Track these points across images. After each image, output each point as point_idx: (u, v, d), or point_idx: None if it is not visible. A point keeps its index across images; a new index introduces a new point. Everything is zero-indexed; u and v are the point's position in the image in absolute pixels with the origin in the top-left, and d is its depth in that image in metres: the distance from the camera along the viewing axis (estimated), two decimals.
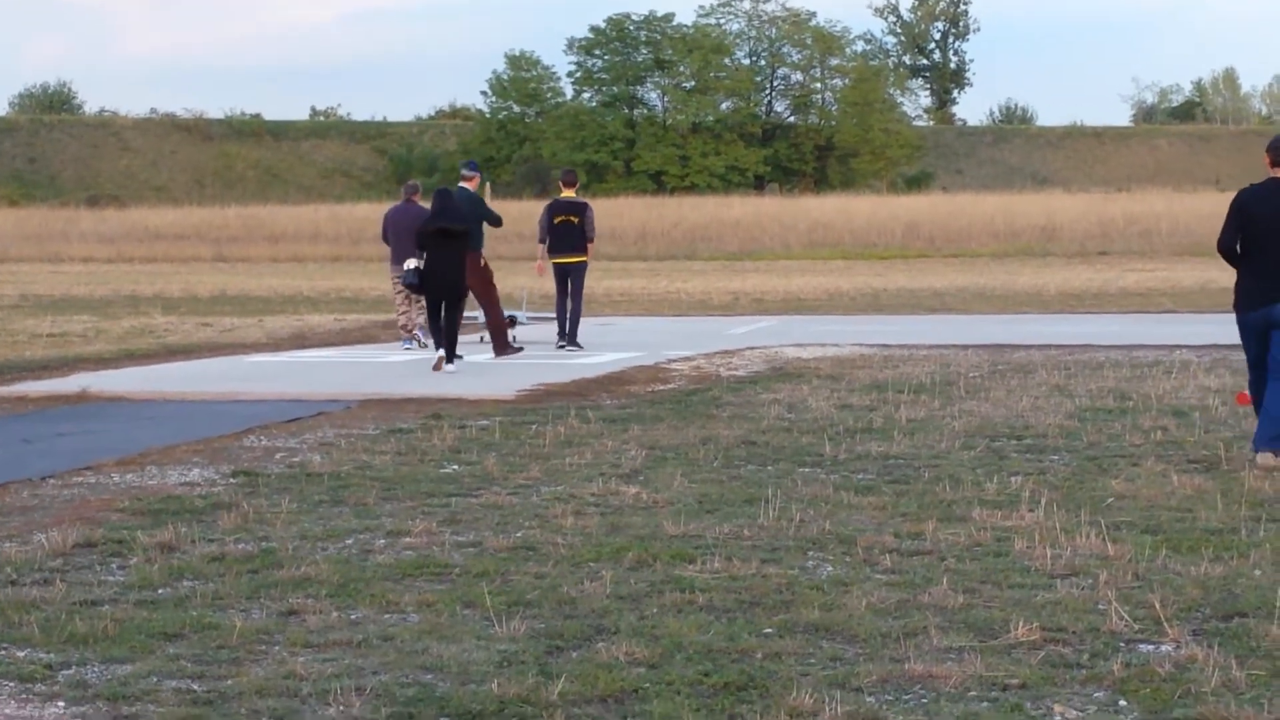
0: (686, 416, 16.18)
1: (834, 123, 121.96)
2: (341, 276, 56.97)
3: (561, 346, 25.07)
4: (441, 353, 21.89)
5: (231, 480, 12.48)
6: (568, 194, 25.55)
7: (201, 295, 45.44)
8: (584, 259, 25.18)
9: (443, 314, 21.91)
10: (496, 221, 24.02)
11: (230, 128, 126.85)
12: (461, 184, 24.11)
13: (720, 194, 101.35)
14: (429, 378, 20.68)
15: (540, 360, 23.46)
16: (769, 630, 7.71)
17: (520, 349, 24.40)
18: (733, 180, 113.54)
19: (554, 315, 30.34)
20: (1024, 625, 7.60)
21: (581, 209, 25.05)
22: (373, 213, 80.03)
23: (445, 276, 21.82)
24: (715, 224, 76.99)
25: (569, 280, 25.14)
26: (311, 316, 34.78)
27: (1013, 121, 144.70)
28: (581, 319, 25.72)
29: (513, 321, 27.10)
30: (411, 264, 22.25)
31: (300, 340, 28.32)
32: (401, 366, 22.65)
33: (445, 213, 21.97)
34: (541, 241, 25.22)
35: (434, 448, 14.08)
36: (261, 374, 21.58)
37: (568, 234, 24.96)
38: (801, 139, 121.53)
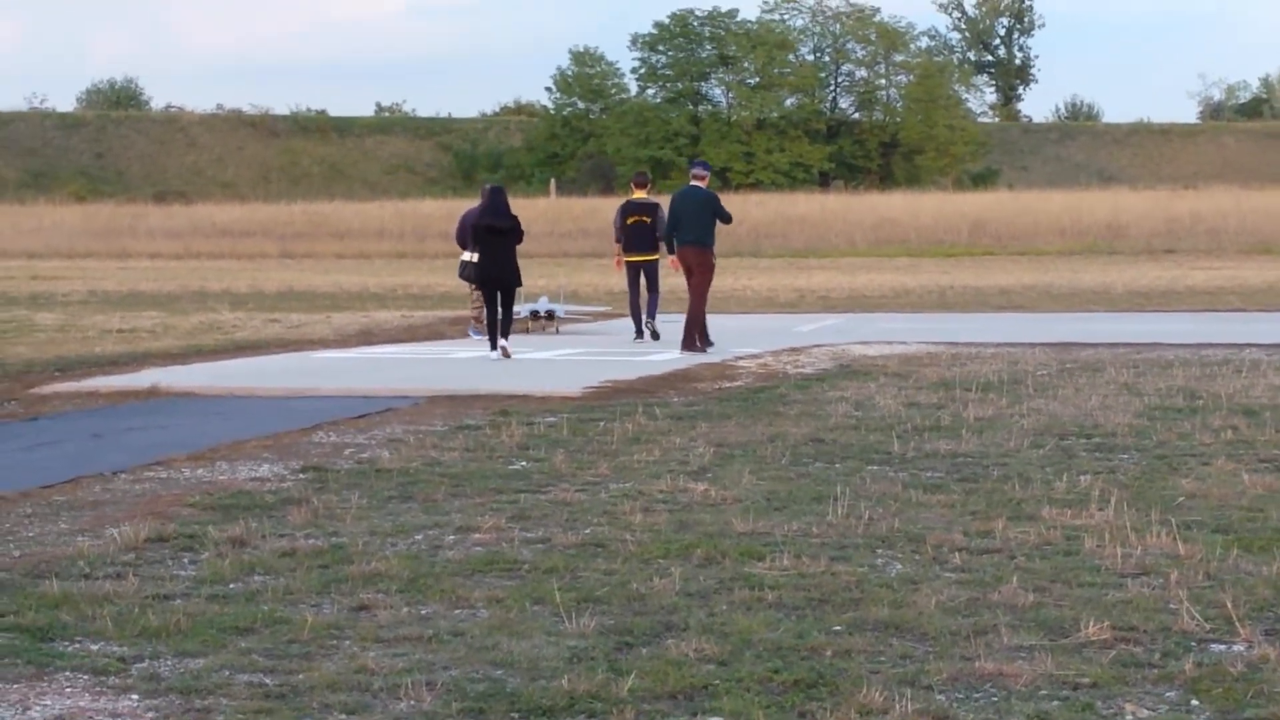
0: (754, 414, 16.17)
1: (899, 119, 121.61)
2: (407, 273, 57.12)
3: (639, 340, 26.25)
4: (505, 343, 23.09)
5: (301, 476, 12.54)
6: (639, 195, 26.58)
7: (268, 291, 45.63)
8: (657, 256, 26.28)
9: (499, 304, 23.12)
10: (727, 218, 24.27)
11: (296, 124, 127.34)
12: (693, 182, 24.36)
13: (785, 190, 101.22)
14: (496, 374, 20.73)
15: (607, 357, 23.48)
16: (838, 628, 7.71)
17: (705, 348, 24.10)
18: (797, 177, 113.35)
19: (588, 312, 30.90)
20: (1094, 624, 7.58)
21: (653, 209, 26.19)
22: (437, 209, 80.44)
23: (498, 270, 22.92)
24: (780, 221, 76.87)
25: (644, 275, 26.32)
26: (378, 313, 34.89)
27: (1078, 118, 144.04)
28: (648, 315, 26.62)
29: (551, 315, 28.20)
30: (466, 257, 24.02)
31: (367, 336, 28.41)
32: (469, 363, 22.70)
33: (494, 210, 23.07)
34: (618, 241, 26.43)
35: (502, 444, 14.11)
36: (329, 370, 21.66)
37: (641, 233, 26.10)
38: (866, 135, 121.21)
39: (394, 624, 7.85)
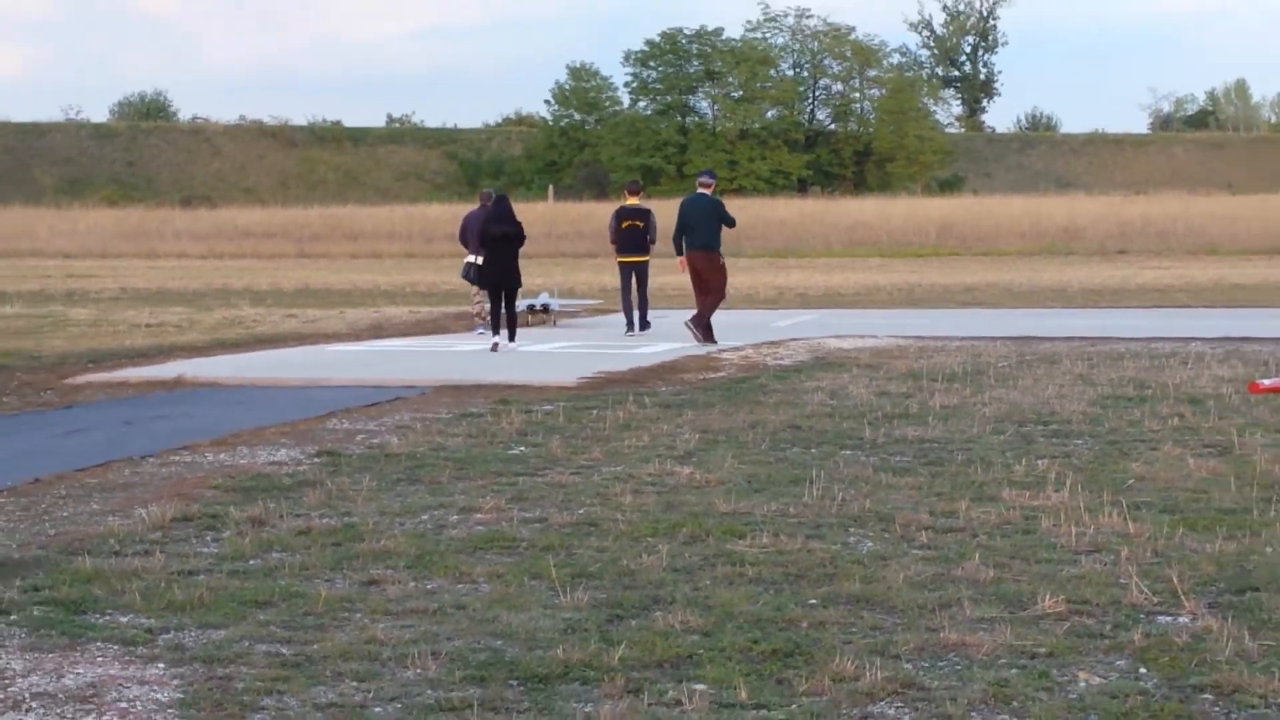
0: (736, 402, 16.17)
1: (872, 130, 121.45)
2: (415, 272, 57.08)
3: (630, 333, 26.38)
4: (498, 337, 23.44)
5: (316, 460, 12.53)
6: (632, 201, 27.06)
7: (286, 289, 45.61)
8: (647, 258, 26.78)
9: (503, 303, 23.56)
10: (732, 223, 24.52)
11: (313, 134, 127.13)
12: (700, 190, 24.63)
13: (766, 196, 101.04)
14: (497, 365, 20.73)
15: (600, 350, 23.48)
16: (813, 601, 7.71)
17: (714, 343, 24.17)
18: (778, 183, 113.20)
19: (581, 307, 31.23)
20: (1050, 598, 7.58)
21: (645, 214, 26.81)
22: (444, 213, 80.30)
23: (501, 271, 23.37)
24: (761, 224, 76.84)
25: (635, 276, 26.72)
26: (388, 309, 34.87)
27: (1038, 129, 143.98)
28: (639, 311, 26.85)
29: (546, 309, 28.55)
30: (470, 259, 24.47)
31: (378, 330, 28.41)
32: (472, 355, 22.70)
33: (499, 217, 23.50)
34: (613, 243, 27.01)
35: (502, 430, 14.11)
36: (342, 362, 21.66)
37: (633, 237, 26.64)
38: (841, 145, 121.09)
39: (401, 598, 7.85)
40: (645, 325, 26.70)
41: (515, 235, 23.35)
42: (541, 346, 24.28)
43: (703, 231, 24.01)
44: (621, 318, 27.53)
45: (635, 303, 26.75)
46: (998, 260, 63.65)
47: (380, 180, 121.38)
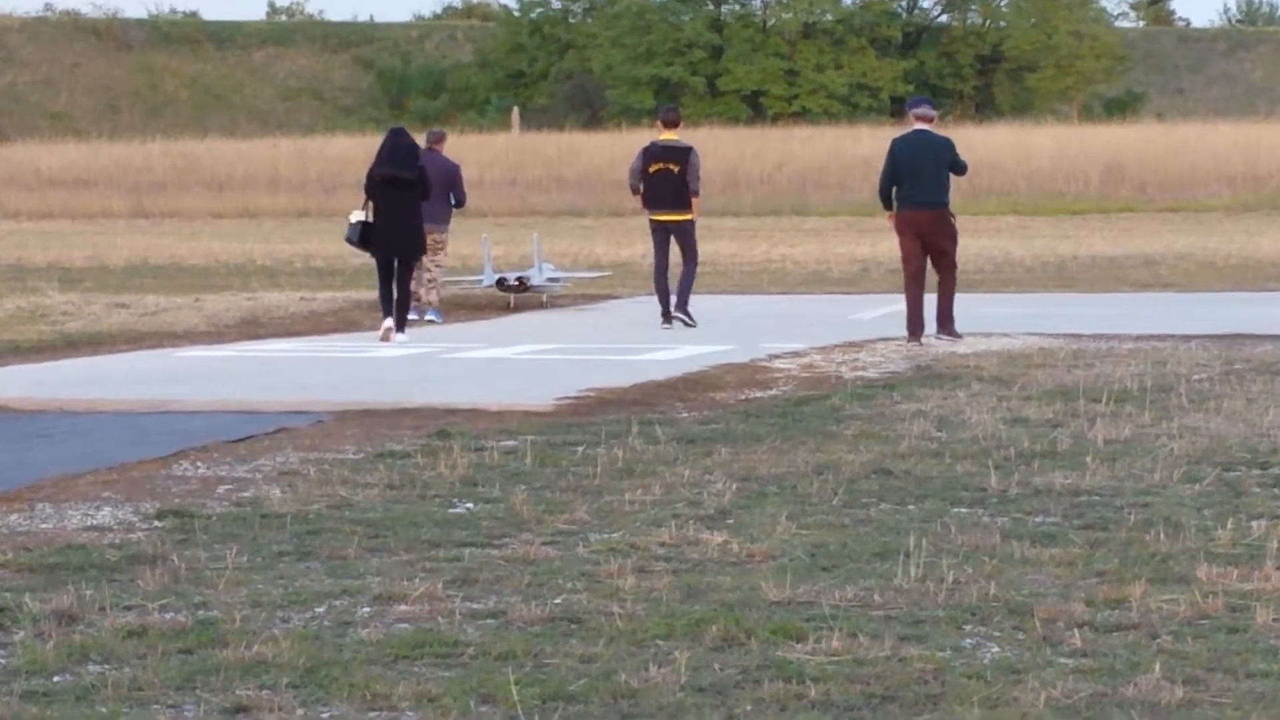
0: (794, 435, 16.17)
1: (1003, 24, 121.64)
2: (310, 238, 57.11)
3: (667, 326, 27.00)
4: (389, 322, 24.74)
5: (156, 524, 12.52)
6: (668, 136, 27.38)
7: (114, 264, 45.62)
8: (689, 216, 27.02)
9: (395, 276, 25.03)
10: (964, 169, 25.09)
11: (156, 32, 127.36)
12: (919, 125, 25.04)
13: (842, 123, 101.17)
14: (431, 378, 20.73)
15: (590, 355, 23.49)
16: None
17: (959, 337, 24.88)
18: (861, 104, 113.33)
19: (585, 279, 31.66)
20: None
21: (684, 154, 26.94)
22: (354, 149, 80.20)
23: (396, 233, 24.63)
24: (836, 164, 76.95)
25: (672, 242, 27.12)
26: (268, 294, 34.87)
27: (1257, 22, 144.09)
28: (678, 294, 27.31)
29: (521, 283, 29.11)
30: (356, 216, 25.21)
31: (252, 327, 28.43)
32: (395, 363, 22.71)
33: (395, 156, 24.68)
34: (635, 193, 27.33)
35: (440, 479, 14.11)
36: (198, 374, 21.67)
37: (666, 185, 26.86)
38: (958, 47, 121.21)
39: None
40: (683, 307, 27.04)
41: (413, 182, 24.50)
42: (502, 350, 24.30)
43: (931, 182, 24.73)
44: (623, 305, 27.59)
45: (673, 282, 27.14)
46: (1194, 219, 63.69)
47: (257, 100, 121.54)
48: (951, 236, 25.19)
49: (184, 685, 8.57)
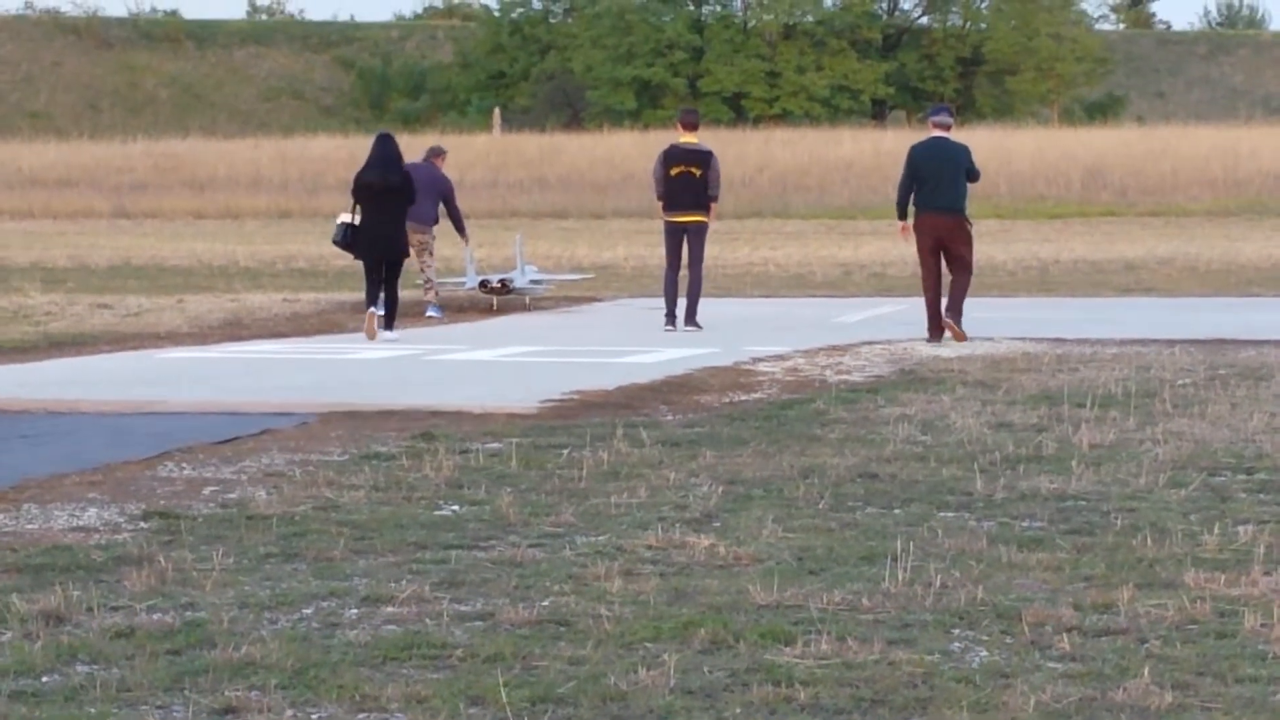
0: (779, 438, 16.18)
1: (984, 26, 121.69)
2: (292, 239, 57.09)
3: (670, 329, 27.11)
4: (374, 310, 25.35)
5: (142, 525, 12.51)
6: (688, 139, 27.80)
7: (96, 265, 45.57)
8: (705, 219, 27.49)
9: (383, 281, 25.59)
10: (976, 175, 26.01)
11: (137, 31, 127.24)
12: (936, 133, 25.82)
13: (824, 125, 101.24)
14: (416, 380, 20.73)
15: (574, 357, 23.50)
16: None
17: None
18: (842, 106, 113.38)
19: (570, 281, 31.89)
20: None
21: (705, 158, 27.44)
22: (335, 150, 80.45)
23: (382, 236, 25.22)
24: (818, 167, 76.97)
25: (686, 243, 27.38)
26: (251, 295, 34.87)
27: (1237, 25, 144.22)
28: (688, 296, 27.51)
29: (504, 285, 29.45)
30: (344, 219, 25.81)
31: (236, 329, 28.42)
32: (380, 365, 22.70)
33: (382, 161, 25.33)
34: (660, 198, 27.59)
35: (426, 481, 14.11)
36: (182, 376, 21.66)
37: (687, 188, 27.28)
38: (938, 49, 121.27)
39: None
40: (692, 318, 27.21)
41: (399, 188, 25.14)
42: (485, 353, 24.30)
43: (948, 188, 25.41)
44: (611, 307, 27.69)
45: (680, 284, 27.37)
46: (1175, 223, 63.74)
47: (239, 100, 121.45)
48: (967, 241, 25.72)
49: (172, 686, 8.57)
